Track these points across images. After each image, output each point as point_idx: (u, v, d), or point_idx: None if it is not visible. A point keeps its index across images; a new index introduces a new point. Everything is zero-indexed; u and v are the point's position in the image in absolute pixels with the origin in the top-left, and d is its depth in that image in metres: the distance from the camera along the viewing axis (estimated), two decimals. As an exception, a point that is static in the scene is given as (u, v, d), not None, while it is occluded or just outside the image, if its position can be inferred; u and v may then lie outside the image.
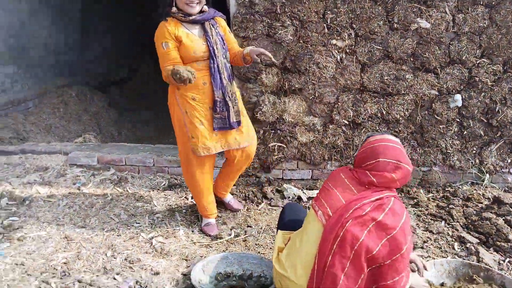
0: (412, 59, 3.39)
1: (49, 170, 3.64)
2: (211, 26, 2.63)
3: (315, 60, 3.34)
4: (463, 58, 3.36)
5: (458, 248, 2.73)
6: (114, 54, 7.69)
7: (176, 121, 2.72)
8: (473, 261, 2.55)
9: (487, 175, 3.59)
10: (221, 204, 3.16)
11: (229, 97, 2.65)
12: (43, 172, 3.62)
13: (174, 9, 2.52)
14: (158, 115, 7.14)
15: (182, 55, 2.55)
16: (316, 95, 3.46)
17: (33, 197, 3.20)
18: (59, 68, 6.07)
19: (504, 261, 2.60)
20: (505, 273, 2.44)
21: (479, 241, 2.83)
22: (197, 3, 2.51)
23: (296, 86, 3.42)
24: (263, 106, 3.47)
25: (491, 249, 2.74)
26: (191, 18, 2.54)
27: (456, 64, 3.40)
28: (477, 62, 3.38)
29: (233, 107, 2.67)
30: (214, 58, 2.59)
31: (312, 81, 3.42)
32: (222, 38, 2.67)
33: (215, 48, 2.59)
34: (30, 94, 5.36)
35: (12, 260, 2.43)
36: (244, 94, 3.50)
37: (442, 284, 2.35)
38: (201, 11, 2.60)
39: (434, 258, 2.55)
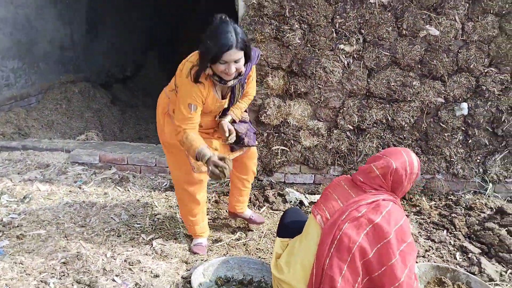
0: (419, 66, 3.36)
1: (50, 168, 3.62)
2: (241, 87, 2.38)
3: (322, 64, 3.32)
4: (471, 66, 3.33)
5: (460, 258, 2.71)
6: (119, 51, 7.66)
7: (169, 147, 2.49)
8: (475, 271, 2.53)
9: (490, 184, 3.56)
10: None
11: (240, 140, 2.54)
12: (44, 169, 3.60)
13: (209, 71, 2.15)
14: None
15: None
16: (322, 100, 3.43)
17: (34, 195, 3.18)
18: (64, 64, 6.04)
19: (506, 272, 2.57)
20: (506, 285, 2.42)
21: (481, 251, 2.80)
22: (234, 74, 2.14)
23: (302, 89, 3.40)
24: (267, 109, 3.44)
25: (493, 259, 2.72)
26: (228, 85, 2.22)
27: (463, 72, 3.37)
28: (485, 71, 3.35)
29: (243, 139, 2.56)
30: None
31: (318, 85, 3.39)
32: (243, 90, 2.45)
33: (233, 102, 2.45)
34: (33, 89, 5.34)
35: (11, 258, 2.41)
36: (248, 96, 3.47)
37: None
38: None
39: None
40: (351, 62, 3.36)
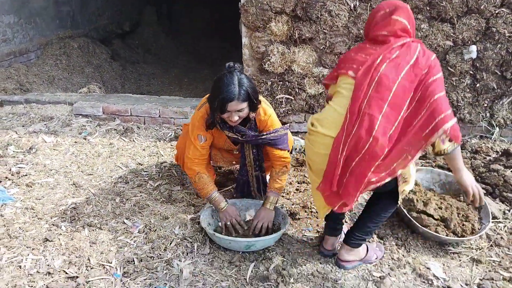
0: (428, 8, 3.25)
1: (54, 120, 3.61)
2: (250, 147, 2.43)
3: (327, 8, 3.21)
4: (481, 7, 3.21)
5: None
6: (116, 6, 7.45)
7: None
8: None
9: (497, 128, 3.54)
10: None
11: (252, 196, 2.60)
12: (48, 122, 3.59)
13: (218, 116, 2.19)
14: (163, 70, 7.04)
15: (213, 142, 2.41)
16: (327, 45, 3.35)
17: (39, 146, 3.19)
18: (61, 20, 5.91)
19: (509, 211, 2.60)
20: (509, 222, 2.45)
21: (485, 192, 2.82)
22: (238, 120, 2.16)
23: (307, 35, 3.31)
24: (271, 57, 3.37)
25: (497, 199, 2.74)
26: (232, 138, 2.34)
27: (473, 14, 3.26)
28: (496, 11, 3.24)
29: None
30: (246, 173, 2.50)
31: (324, 30, 3.30)
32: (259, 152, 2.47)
33: (246, 163, 2.47)
34: (32, 45, 5.25)
35: (22, 204, 2.45)
36: (252, 43, 3.40)
37: (430, 190, 2.55)
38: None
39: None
40: (357, 4, 3.24)
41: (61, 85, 5.02)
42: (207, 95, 2.25)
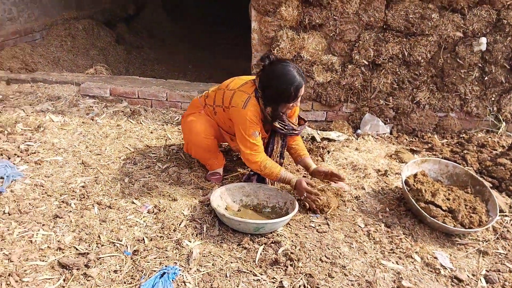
0: (440, -2, 3.23)
1: (62, 100, 3.60)
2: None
3: (339, -6, 3.19)
4: (494, -2, 3.20)
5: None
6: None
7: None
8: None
9: (504, 123, 3.55)
10: None
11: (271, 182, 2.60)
12: (56, 101, 3.58)
13: (269, 109, 2.36)
14: (168, 55, 6.99)
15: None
16: (337, 32, 3.33)
17: (47, 125, 3.19)
18: (66, 0, 5.85)
19: (515, 204, 2.62)
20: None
21: (492, 185, 2.84)
22: None
23: (317, 21, 3.29)
24: (280, 42, 3.36)
25: (504, 193, 2.75)
26: (277, 129, 2.46)
27: (484, 5, 3.24)
28: (508, 3, 3.22)
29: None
30: (270, 154, 2.55)
31: (334, 17, 3.28)
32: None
33: (274, 148, 2.56)
34: (37, 25, 5.20)
35: (31, 181, 2.45)
36: (261, 28, 3.38)
37: (437, 181, 2.61)
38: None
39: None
40: (369, -8, 3.22)
41: (66, 66, 4.99)
42: (241, 85, 2.38)
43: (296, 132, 2.51)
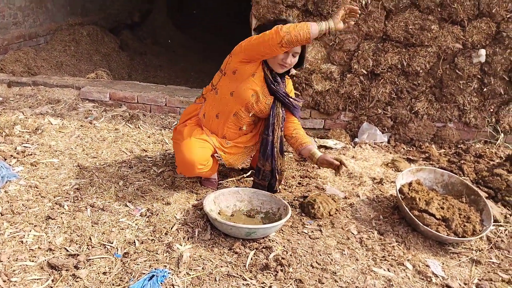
0: (439, 9, 3.25)
1: (61, 103, 3.63)
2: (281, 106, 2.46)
3: (339, 3, 3.21)
4: (493, 11, 3.21)
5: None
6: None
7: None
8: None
9: (502, 134, 3.54)
10: None
11: (277, 170, 2.53)
12: (55, 105, 3.61)
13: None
14: (171, 62, 7.05)
15: (241, 95, 2.35)
16: (336, 42, 3.35)
17: (45, 127, 3.21)
18: (72, 6, 5.93)
19: (510, 215, 2.60)
20: (510, 226, 2.44)
21: (487, 195, 2.82)
22: (290, 64, 2.32)
23: (316, 30, 3.31)
24: (280, 50, 3.37)
25: (499, 203, 2.74)
26: (270, 86, 2.37)
27: (484, 17, 3.26)
28: (507, 16, 3.24)
29: (279, 179, 2.58)
30: (272, 132, 2.45)
31: (333, 26, 3.30)
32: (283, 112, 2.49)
33: (275, 121, 2.44)
34: (41, 30, 5.27)
35: (26, 182, 2.46)
36: (261, 36, 3.40)
37: (432, 189, 2.61)
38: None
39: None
40: (369, 2, 3.25)
41: (68, 71, 5.04)
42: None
43: (291, 101, 2.44)
